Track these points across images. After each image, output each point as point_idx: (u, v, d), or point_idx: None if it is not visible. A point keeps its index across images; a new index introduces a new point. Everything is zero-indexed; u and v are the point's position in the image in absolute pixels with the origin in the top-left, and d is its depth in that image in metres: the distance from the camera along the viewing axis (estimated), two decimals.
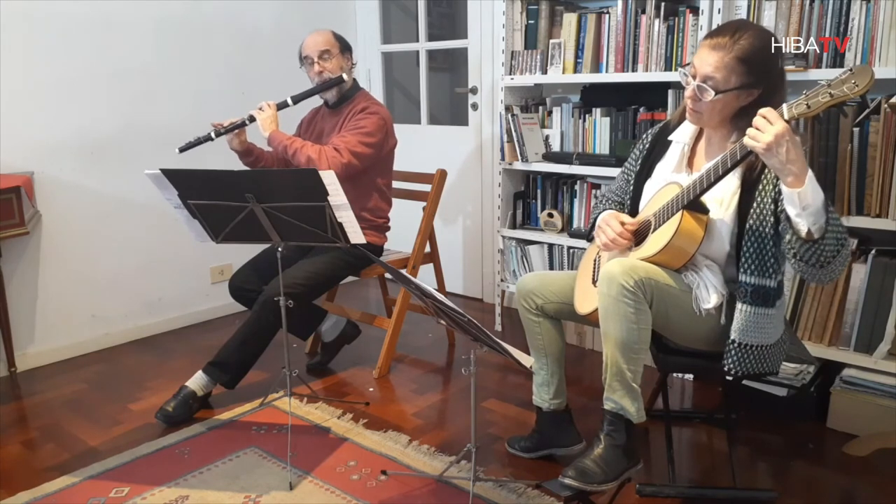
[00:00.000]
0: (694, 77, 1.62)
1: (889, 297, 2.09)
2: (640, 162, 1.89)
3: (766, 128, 1.39)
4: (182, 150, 2.40)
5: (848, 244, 1.50)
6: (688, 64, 1.66)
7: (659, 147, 1.85)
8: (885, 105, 2.01)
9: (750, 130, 1.42)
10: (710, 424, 2.29)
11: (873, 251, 2.12)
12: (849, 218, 2.12)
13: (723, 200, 1.64)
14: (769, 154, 1.40)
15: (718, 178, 1.56)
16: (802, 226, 1.46)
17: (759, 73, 1.58)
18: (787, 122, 1.40)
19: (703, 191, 1.59)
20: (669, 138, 1.81)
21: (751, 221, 1.60)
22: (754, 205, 1.59)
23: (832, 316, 2.20)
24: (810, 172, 1.43)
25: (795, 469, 2.03)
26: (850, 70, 1.35)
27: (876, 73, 2.03)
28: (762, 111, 1.41)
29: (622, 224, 1.75)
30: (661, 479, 1.94)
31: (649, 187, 1.82)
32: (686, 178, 1.73)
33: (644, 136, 1.93)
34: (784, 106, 1.42)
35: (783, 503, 1.85)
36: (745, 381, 2.31)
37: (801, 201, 1.43)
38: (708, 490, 1.91)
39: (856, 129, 2.08)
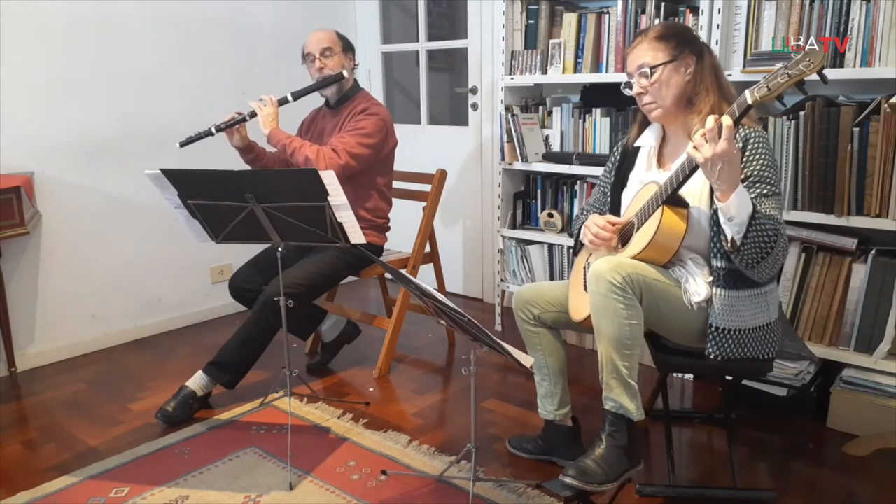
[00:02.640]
0: (631, 77, 1.75)
1: (889, 297, 2.09)
2: (613, 173, 1.95)
3: (711, 143, 1.44)
4: (182, 144, 2.40)
5: (776, 250, 1.56)
6: (624, 83, 1.80)
7: (629, 157, 1.90)
8: (885, 105, 2.00)
9: (695, 138, 1.47)
10: (710, 424, 2.29)
11: (873, 251, 2.12)
12: (849, 218, 2.12)
13: (694, 191, 1.68)
14: (704, 167, 1.49)
15: (693, 171, 1.59)
16: (728, 232, 1.55)
17: (682, 42, 1.71)
18: (751, 105, 1.45)
19: (680, 185, 1.62)
20: (636, 145, 1.87)
21: (715, 206, 1.62)
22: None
23: (832, 316, 2.20)
24: (740, 188, 1.51)
25: (795, 469, 2.03)
26: (804, 51, 1.41)
27: (875, 72, 2.06)
28: (713, 122, 1.44)
29: (608, 221, 1.80)
30: (661, 479, 1.94)
31: (626, 196, 1.87)
32: (659, 175, 1.77)
33: (614, 148, 1.99)
34: (747, 91, 1.46)
35: (783, 503, 1.85)
36: (745, 381, 2.32)
37: (726, 213, 1.52)
38: (708, 490, 1.91)
39: (856, 129, 2.08)
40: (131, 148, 3.05)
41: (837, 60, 2.16)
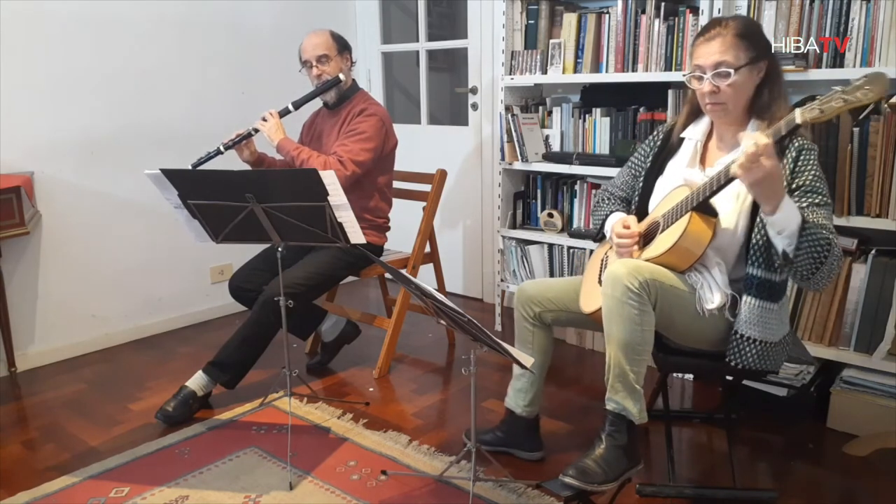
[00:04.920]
0: (704, 72, 1.64)
1: (889, 297, 2.09)
2: (650, 158, 1.89)
3: (758, 163, 1.41)
4: (195, 166, 2.40)
5: (831, 259, 1.52)
6: (688, 72, 1.69)
7: (671, 146, 1.85)
8: (885, 105, 2.01)
9: (740, 157, 1.43)
10: (710, 424, 2.29)
11: (873, 251, 2.12)
12: (849, 218, 2.12)
13: (739, 194, 1.65)
14: (748, 188, 1.48)
15: (729, 182, 1.56)
16: (779, 246, 1.53)
17: (759, 45, 1.65)
18: (799, 125, 1.42)
19: (713, 193, 1.60)
20: (682, 135, 1.83)
21: (761, 216, 1.60)
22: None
23: (832, 316, 2.20)
24: (786, 199, 1.49)
25: (795, 469, 2.03)
26: (865, 76, 1.36)
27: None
28: (753, 143, 1.40)
29: (626, 227, 1.78)
30: (661, 479, 1.94)
31: (661, 184, 1.83)
32: (698, 173, 1.75)
33: (655, 133, 1.94)
34: (797, 111, 1.43)
35: (783, 503, 1.85)
36: (745, 381, 2.32)
37: (775, 226, 1.51)
38: (708, 490, 1.91)
39: (856, 129, 2.08)
40: (131, 148, 3.05)
41: (837, 60, 2.16)
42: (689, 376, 2.64)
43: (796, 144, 1.62)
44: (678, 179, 1.77)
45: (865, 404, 2.14)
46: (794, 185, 1.59)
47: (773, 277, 1.62)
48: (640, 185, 1.89)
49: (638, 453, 1.68)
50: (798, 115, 1.42)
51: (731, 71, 1.61)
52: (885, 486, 1.93)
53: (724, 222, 1.66)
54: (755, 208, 1.62)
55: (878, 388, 2.13)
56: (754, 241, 1.62)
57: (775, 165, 1.43)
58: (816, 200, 1.57)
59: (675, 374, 2.62)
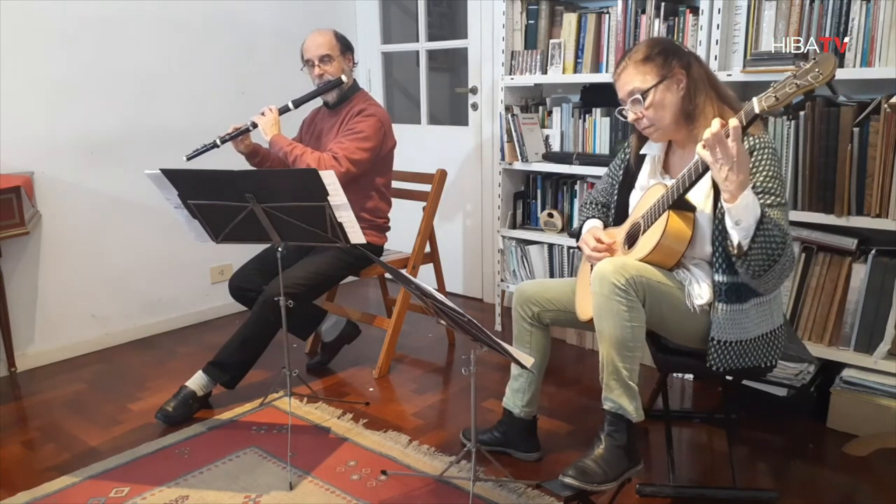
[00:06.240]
0: (625, 104, 1.72)
1: (889, 297, 2.09)
2: (621, 172, 1.94)
3: (724, 144, 1.42)
4: (189, 157, 2.41)
5: (784, 259, 1.52)
6: (618, 110, 1.77)
7: (638, 160, 1.89)
8: (885, 105, 2.00)
9: (705, 137, 1.44)
10: (710, 424, 2.29)
11: (873, 251, 2.12)
12: (849, 218, 2.12)
13: (698, 202, 1.67)
14: (713, 168, 1.47)
15: (699, 177, 1.58)
16: (734, 237, 1.52)
17: (669, 58, 1.67)
18: (759, 115, 1.42)
19: (686, 190, 1.61)
20: (642, 152, 1.86)
21: (717, 220, 1.62)
22: (720, 204, 1.61)
23: (832, 316, 2.20)
24: (747, 191, 1.47)
25: (795, 469, 2.03)
26: (815, 59, 1.36)
27: (875, 72, 2.06)
28: (718, 125, 1.42)
29: (598, 240, 1.83)
30: (661, 479, 1.94)
31: (633, 198, 1.87)
32: (665, 181, 1.77)
33: (626, 142, 1.97)
34: (754, 99, 1.43)
35: (783, 503, 1.85)
36: (745, 381, 2.32)
37: (733, 217, 1.49)
38: (708, 490, 1.91)
39: (856, 129, 2.08)
40: (131, 148, 3.05)
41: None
42: (689, 376, 2.64)
43: (749, 143, 1.59)
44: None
45: (865, 404, 2.14)
46: None
47: (738, 280, 1.62)
48: (616, 197, 1.93)
49: (638, 453, 1.68)
50: (756, 105, 1.42)
51: (640, 96, 1.66)
52: (885, 486, 1.93)
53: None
54: (718, 206, 1.63)
55: (878, 388, 2.13)
56: (715, 246, 1.62)
57: (742, 151, 1.43)
58: (769, 201, 1.55)
59: (675, 374, 2.63)
